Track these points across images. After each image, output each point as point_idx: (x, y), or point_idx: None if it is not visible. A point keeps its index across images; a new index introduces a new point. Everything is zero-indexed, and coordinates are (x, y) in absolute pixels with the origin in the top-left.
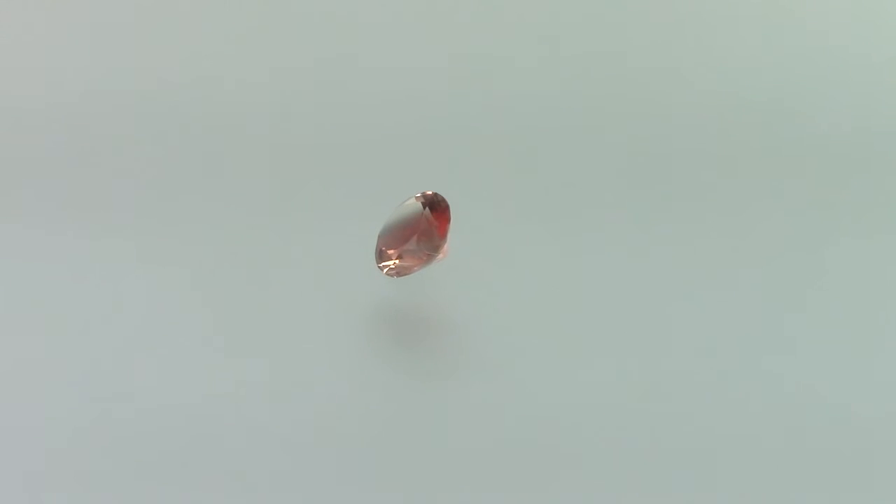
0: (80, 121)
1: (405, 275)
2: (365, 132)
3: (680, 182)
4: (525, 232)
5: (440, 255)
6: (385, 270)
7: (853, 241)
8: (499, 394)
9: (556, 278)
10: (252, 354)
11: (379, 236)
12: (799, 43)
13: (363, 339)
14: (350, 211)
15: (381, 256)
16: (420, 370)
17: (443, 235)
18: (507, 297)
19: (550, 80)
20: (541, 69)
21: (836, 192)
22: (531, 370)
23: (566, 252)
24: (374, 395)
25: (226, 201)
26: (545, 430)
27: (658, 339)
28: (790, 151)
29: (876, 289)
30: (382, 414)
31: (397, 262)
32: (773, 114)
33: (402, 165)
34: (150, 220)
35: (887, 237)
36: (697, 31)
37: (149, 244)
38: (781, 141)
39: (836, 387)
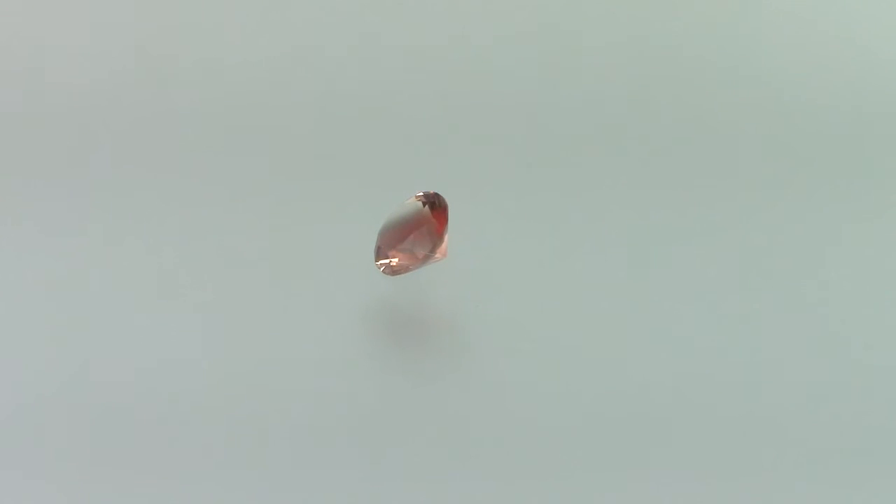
0: (78, 114)
1: (401, 273)
2: (369, 130)
3: (682, 181)
4: (525, 232)
5: (438, 255)
6: (382, 268)
7: (857, 247)
8: (497, 394)
9: (556, 278)
10: (249, 352)
11: (378, 234)
12: (806, 43)
13: (361, 338)
14: (354, 209)
15: (378, 254)
16: (418, 370)
17: (440, 235)
18: (506, 297)
19: (551, 78)
20: (542, 68)
21: (844, 192)
22: (530, 370)
23: (566, 252)
24: (370, 394)
25: (226, 198)
26: (544, 429)
27: (659, 339)
28: (792, 149)
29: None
30: (379, 413)
31: (394, 260)
32: (776, 111)
33: (405, 164)
34: (149, 218)
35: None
36: (701, 29)
37: (147, 241)
38: (783, 138)
39: (841, 385)
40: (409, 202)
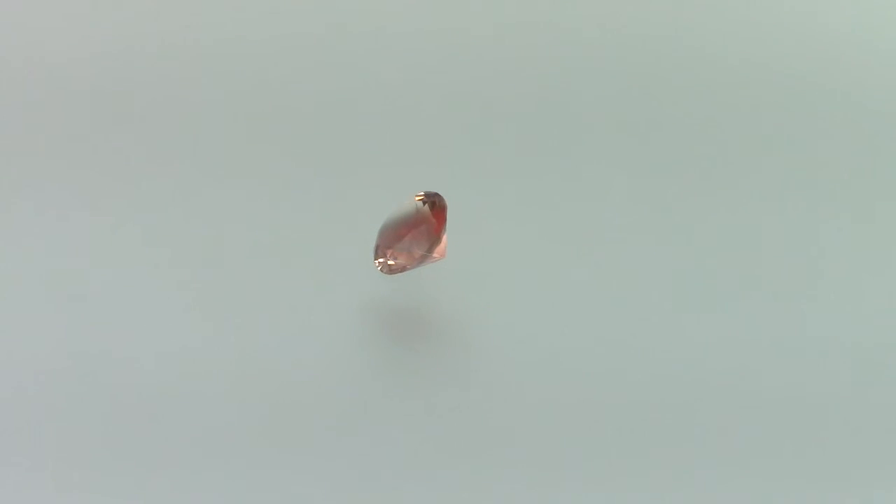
0: (81, 102)
1: (398, 272)
2: (370, 130)
3: (682, 179)
4: (525, 232)
5: (437, 255)
6: (380, 267)
7: (855, 235)
8: (497, 394)
9: (555, 279)
10: (247, 351)
11: (378, 233)
12: (802, 23)
13: (359, 338)
14: (353, 209)
15: (377, 253)
16: (417, 370)
17: (438, 234)
18: (506, 297)
19: (551, 77)
20: (542, 66)
21: (845, 181)
22: (530, 371)
23: (566, 251)
24: (369, 394)
25: (226, 198)
26: (544, 429)
27: (660, 337)
28: (793, 142)
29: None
30: (378, 413)
31: (392, 259)
32: (777, 104)
33: (406, 164)
34: (150, 216)
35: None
36: (703, 23)
37: (146, 238)
38: (784, 132)
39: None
40: (409, 202)
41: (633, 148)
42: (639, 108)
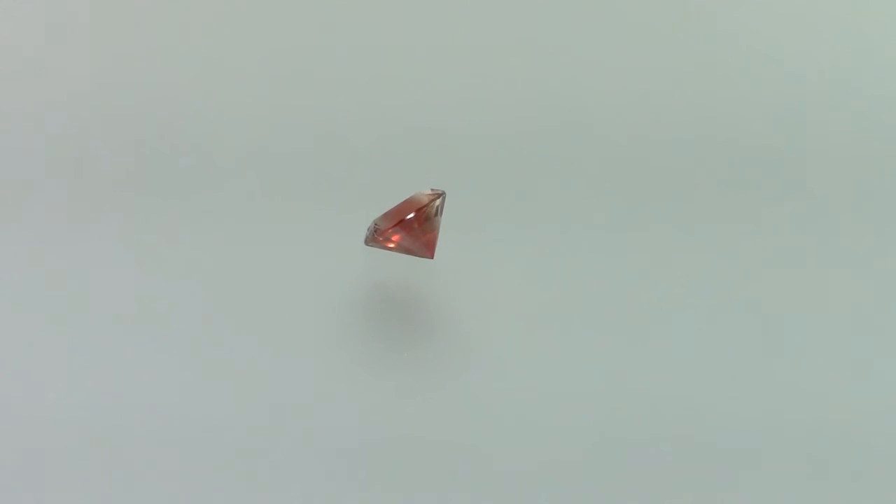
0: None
1: (377, 247)
2: (371, 131)
3: (673, 184)
4: (523, 232)
5: (426, 250)
6: (366, 239)
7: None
8: (494, 395)
9: (551, 279)
10: (243, 349)
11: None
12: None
13: (356, 338)
14: (359, 209)
15: (370, 226)
16: (413, 372)
17: (403, 226)
18: (501, 298)
19: (551, 78)
20: (543, 69)
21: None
22: (528, 373)
23: (561, 252)
24: (366, 396)
25: (224, 194)
26: (544, 431)
27: (651, 339)
28: (786, 158)
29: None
30: (375, 415)
31: (377, 231)
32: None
33: (409, 166)
34: (147, 209)
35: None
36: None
37: (141, 232)
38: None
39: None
40: (422, 191)
41: (631, 153)
42: (634, 110)
